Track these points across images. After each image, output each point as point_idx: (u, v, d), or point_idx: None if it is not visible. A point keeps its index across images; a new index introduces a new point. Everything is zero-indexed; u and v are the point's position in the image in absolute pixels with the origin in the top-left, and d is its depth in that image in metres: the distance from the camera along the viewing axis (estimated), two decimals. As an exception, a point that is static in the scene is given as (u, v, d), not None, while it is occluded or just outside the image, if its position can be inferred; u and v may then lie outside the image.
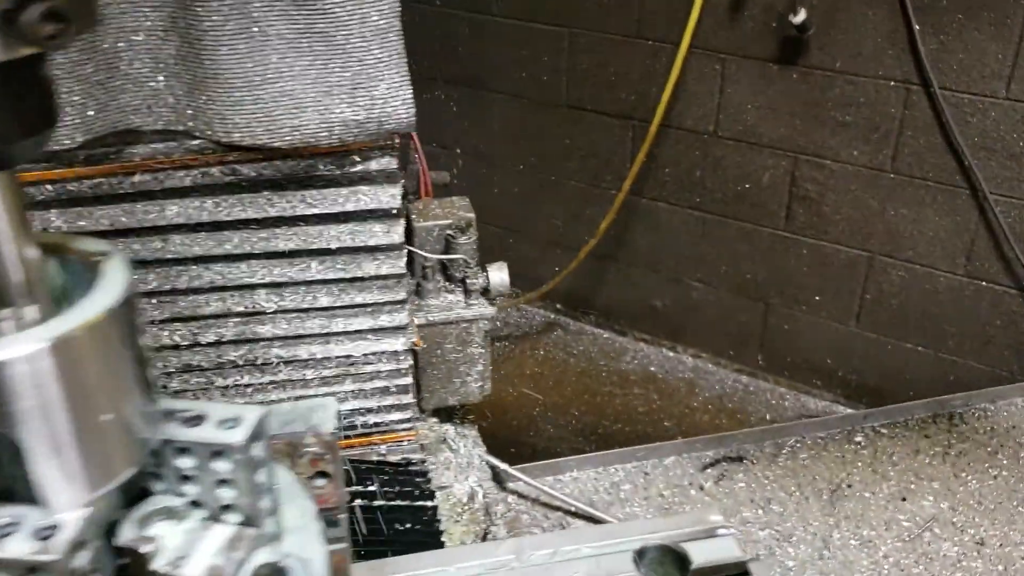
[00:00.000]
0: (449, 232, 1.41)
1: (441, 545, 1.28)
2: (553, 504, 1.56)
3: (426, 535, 1.26)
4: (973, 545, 1.58)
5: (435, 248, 1.44)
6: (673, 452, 1.70)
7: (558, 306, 3.39)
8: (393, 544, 1.23)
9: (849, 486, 1.67)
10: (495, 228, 3.44)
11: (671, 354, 3.21)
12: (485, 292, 1.45)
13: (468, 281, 1.44)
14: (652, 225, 3.09)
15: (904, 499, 1.66)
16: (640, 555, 0.97)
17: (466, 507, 1.44)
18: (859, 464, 1.74)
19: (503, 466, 1.52)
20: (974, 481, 1.70)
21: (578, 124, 3.12)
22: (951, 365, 2.77)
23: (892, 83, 2.54)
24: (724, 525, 1.00)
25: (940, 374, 2.79)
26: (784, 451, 1.74)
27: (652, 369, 3.15)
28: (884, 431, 1.83)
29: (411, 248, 1.43)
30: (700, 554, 0.96)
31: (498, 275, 1.45)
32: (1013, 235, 2.53)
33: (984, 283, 2.63)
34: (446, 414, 1.58)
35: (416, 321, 1.44)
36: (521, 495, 1.59)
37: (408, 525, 1.26)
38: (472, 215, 1.45)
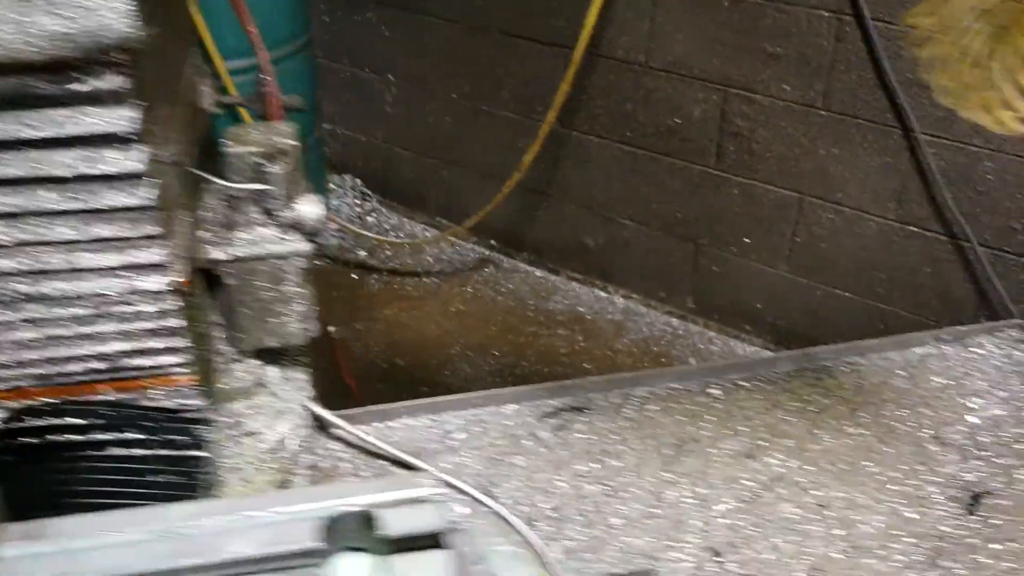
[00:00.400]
0: (258, 160, 1.30)
1: (201, 496, 1.21)
2: (376, 452, 1.48)
3: (184, 488, 1.18)
4: (815, 507, 1.49)
5: (248, 177, 1.34)
6: (513, 400, 1.61)
7: (492, 242, 3.29)
8: (146, 497, 1.16)
9: (696, 441, 1.58)
10: (430, 159, 3.32)
11: (602, 294, 3.11)
12: (299, 226, 1.35)
13: (276, 214, 1.34)
14: (583, 159, 2.97)
15: (751, 456, 1.57)
16: (334, 523, 0.89)
17: (274, 454, 1.37)
18: (710, 418, 1.64)
19: (322, 412, 1.44)
20: (829, 440, 1.61)
21: (511, 51, 2.97)
22: (879, 313, 2.67)
23: (824, 13, 2.38)
24: (434, 490, 0.91)
25: (868, 322, 2.69)
26: (632, 402, 1.65)
27: (580, 310, 3.05)
28: (744, 384, 1.73)
29: (208, 175, 1.32)
30: (397, 522, 0.88)
31: (310, 208, 1.35)
32: (944, 179, 2.40)
33: (914, 229, 2.51)
34: (271, 356, 1.49)
35: (222, 256, 1.34)
36: (348, 443, 1.51)
37: (168, 477, 1.18)
38: (290, 143, 1.34)
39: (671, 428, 1.63)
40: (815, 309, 2.76)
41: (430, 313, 2.98)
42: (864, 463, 1.60)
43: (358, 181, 3.41)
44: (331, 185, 3.38)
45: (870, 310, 2.68)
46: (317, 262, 3.14)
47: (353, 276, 3.11)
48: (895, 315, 2.61)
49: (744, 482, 1.56)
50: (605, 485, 1.53)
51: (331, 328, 2.85)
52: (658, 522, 1.49)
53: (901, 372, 1.78)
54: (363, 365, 2.73)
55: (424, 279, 3.13)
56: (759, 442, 1.62)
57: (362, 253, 3.21)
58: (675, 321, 3.00)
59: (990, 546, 1.48)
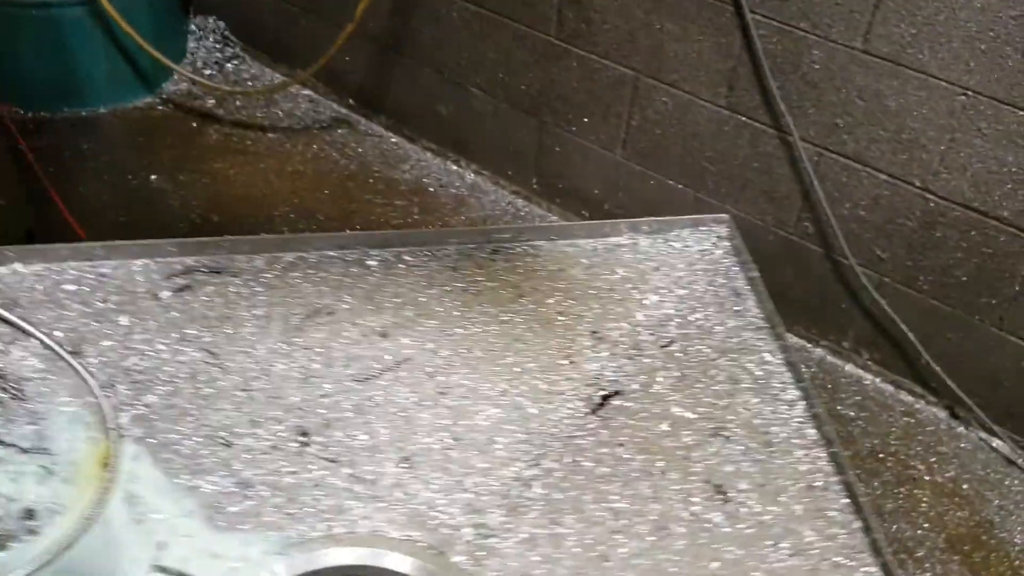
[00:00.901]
0: None
1: None
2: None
3: None
4: (433, 394, 1.38)
5: None
6: (144, 255, 1.49)
7: (351, 101, 3.11)
8: None
9: (331, 313, 1.45)
10: (290, 5, 3.11)
11: (453, 168, 2.94)
12: None
13: None
14: (434, 18, 2.75)
15: (384, 335, 1.44)
16: None
17: None
18: (357, 291, 1.51)
19: None
20: (477, 326, 1.48)
21: None
22: (709, 208, 2.48)
23: None
24: None
25: (698, 217, 2.49)
26: (277, 266, 1.52)
27: (426, 181, 2.89)
28: (408, 258, 1.58)
29: None
30: None
31: None
32: (773, 65, 2.16)
33: (743, 119, 2.30)
34: None
35: None
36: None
37: None
38: None
39: (309, 298, 1.51)
40: (651, 199, 2.57)
41: (264, 171, 2.84)
42: (505, 353, 1.47)
43: (221, 24, 3.22)
44: (192, 27, 3.20)
45: (701, 205, 2.49)
46: (159, 107, 3.01)
47: (193, 125, 2.96)
48: (724, 211, 2.41)
49: (366, 361, 1.43)
50: (210, 353, 1.42)
51: (153, 177, 2.75)
52: (253, 396, 1.38)
53: (584, 260, 1.63)
54: (173, 218, 2.63)
55: (269, 134, 2.97)
56: (399, 321, 1.49)
57: (210, 102, 3.06)
58: (520, 202, 2.84)
59: (599, 451, 1.35)
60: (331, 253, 1.57)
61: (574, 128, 2.63)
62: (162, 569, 1.18)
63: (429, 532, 1.25)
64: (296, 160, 2.92)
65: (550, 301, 1.59)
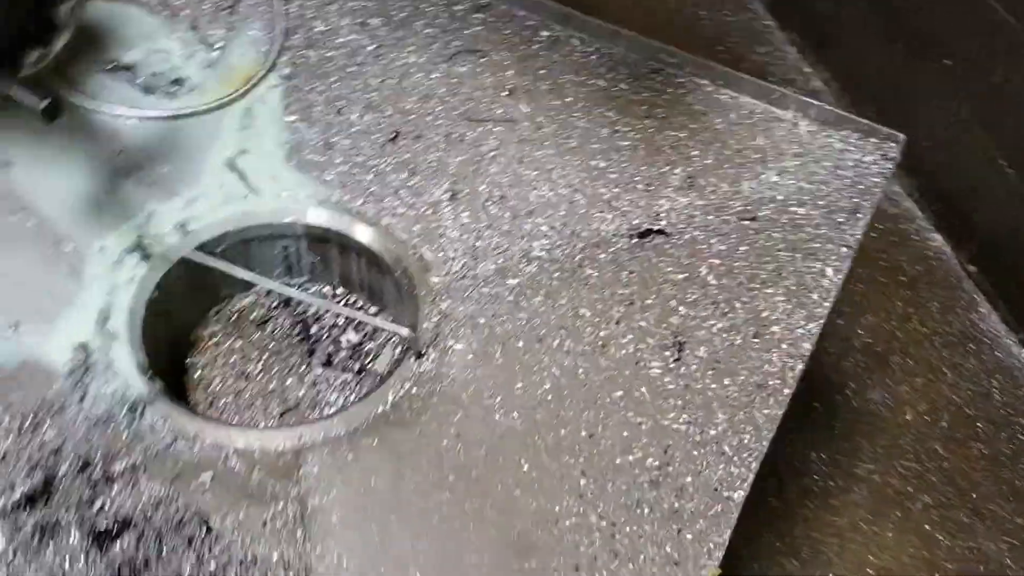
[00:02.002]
0: None
1: None
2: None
3: None
4: (513, 156, 1.55)
5: None
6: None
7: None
8: None
9: (482, 56, 1.64)
10: None
11: None
12: None
13: None
14: None
15: (511, 94, 1.61)
16: None
17: None
18: (515, 50, 1.66)
19: None
20: (590, 123, 1.59)
21: None
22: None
23: None
24: None
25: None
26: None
27: None
28: (576, 42, 1.68)
29: None
30: None
31: None
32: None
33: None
34: None
35: None
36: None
37: None
38: None
39: (472, 38, 1.70)
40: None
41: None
42: (596, 154, 1.61)
43: None
44: None
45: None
46: None
47: None
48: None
49: (482, 104, 1.63)
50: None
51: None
52: (383, 93, 1.65)
53: (733, 115, 1.68)
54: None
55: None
56: (531, 89, 1.65)
57: None
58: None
59: (603, 263, 1.47)
60: (516, 11, 1.74)
61: None
62: (232, 167, 1.54)
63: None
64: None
65: (672, 133, 1.63)
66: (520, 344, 1.41)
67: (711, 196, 1.59)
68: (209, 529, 1.20)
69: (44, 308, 1.39)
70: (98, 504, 1.20)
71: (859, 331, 2.64)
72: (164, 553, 1.16)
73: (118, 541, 1.16)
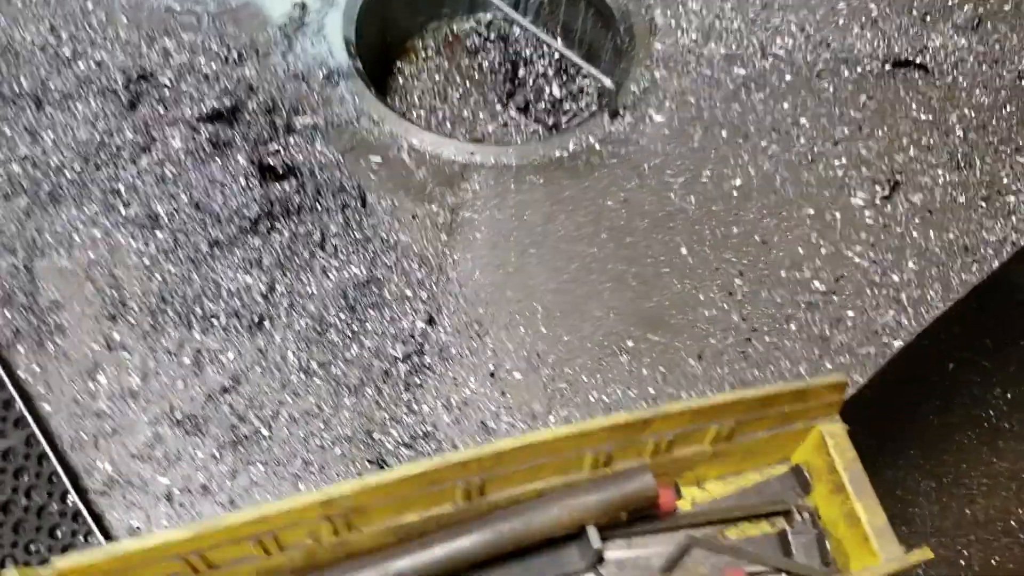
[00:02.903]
0: None
1: None
2: None
3: None
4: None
5: None
6: None
7: None
8: None
9: None
10: None
11: None
12: None
13: None
14: None
15: None
16: None
17: None
18: None
19: None
20: None
21: None
22: None
23: None
24: None
25: None
26: None
27: None
28: None
29: None
30: None
31: None
32: None
33: None
34: None
35: None
36: None
37: None
38: None
39: None
40: None
41: None
42: None
43: None
44: None
45: None
46: None
47: None
48: None
49: None
50: None
51: None
52: None
53: None
54: None
55: None
56: None
57: None
58: None
59: None
60: None
61: None
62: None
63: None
64: None
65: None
66: (724, 134, 1.30)
67: (995, 45, 1.37)
68: (364, 203, 1.22)
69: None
70: (273, 147, 1.24)
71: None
72: (318, 208, 1.19)
73: (281, 182, 1.20)
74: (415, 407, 1.07)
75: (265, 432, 1.02)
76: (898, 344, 1.11)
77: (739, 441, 0.88)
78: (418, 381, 1.09)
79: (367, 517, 0.80)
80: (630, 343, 1.12)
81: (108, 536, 0.95)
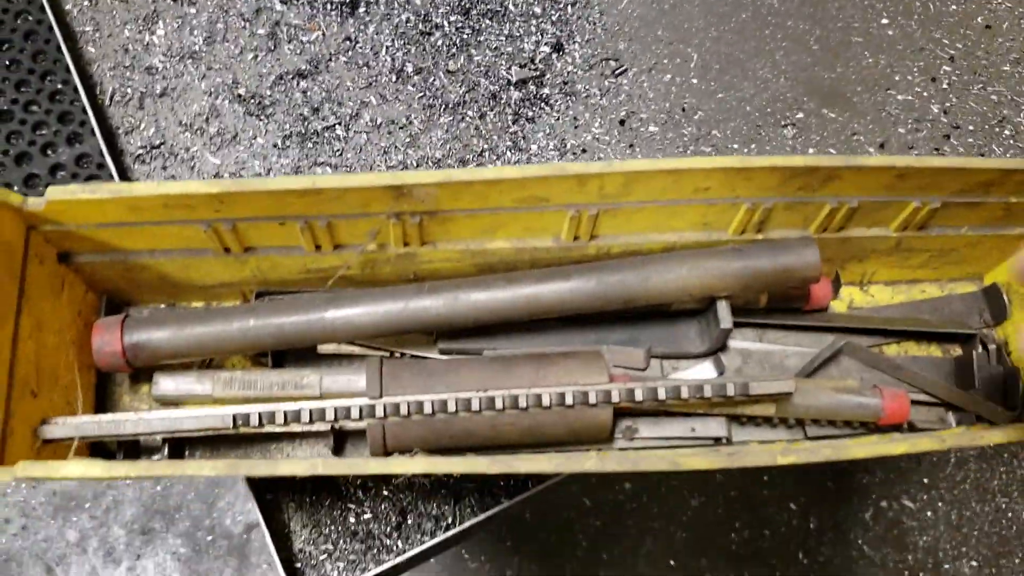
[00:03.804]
0: None
1: None
2: None
3: None
4: None
5: None
6: None
7: None
8: None
9: None
10: None
11: None
12: None
13: None
14: None
15: None
16: None
17: None
18: None
19: None
20: None
21: None
22: None
23: None
24: None
25: None
26: None
27: None
28: None
29: None
30: None
31: None
32: None
33: None
34: None
35: None
36: None
37: None
38: None
39: None
40: None
41: None
42: None
43: None
44: None
45: None
46: None
47: None
48: None
49: None
50: None
51: None
52: None
53: None
54: None
55: None
56: None
57: None
58: None
59: None
60: None
61: None
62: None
63: None
64: None
65: None
66: None
67: None
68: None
69: None
70: None
71: None
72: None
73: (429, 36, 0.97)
74: (521, 143, 0.88)
75: (340, 132, 0.85)
76: None
77: (933, 233, 0.67)
78: (531, 114, 0.89)
79: (445, 229, 0.63)
80: (799, 115, 0.90)
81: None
